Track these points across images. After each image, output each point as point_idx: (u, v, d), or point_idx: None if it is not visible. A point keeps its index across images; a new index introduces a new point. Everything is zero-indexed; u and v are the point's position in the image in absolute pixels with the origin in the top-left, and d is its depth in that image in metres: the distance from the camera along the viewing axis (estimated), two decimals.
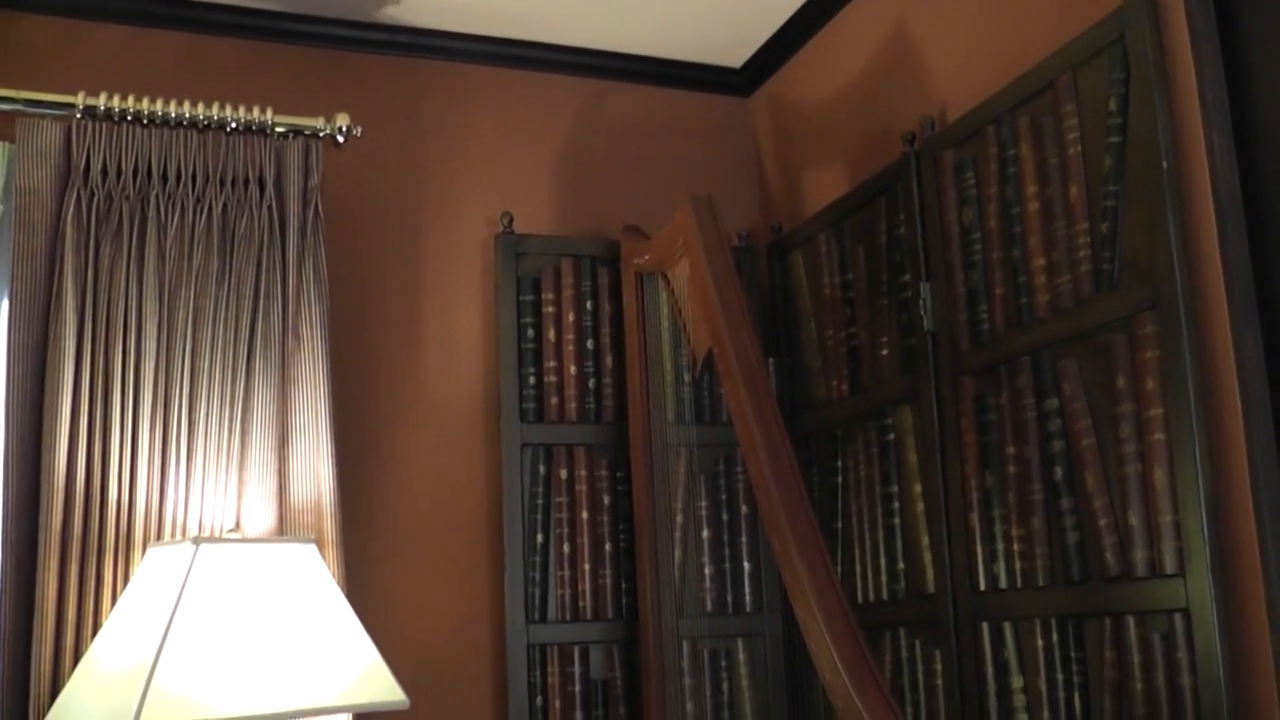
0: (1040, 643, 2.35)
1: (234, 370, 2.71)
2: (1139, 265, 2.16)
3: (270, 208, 2.79)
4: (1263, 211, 2.06)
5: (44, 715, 2.43)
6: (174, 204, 2.72)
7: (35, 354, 2.58)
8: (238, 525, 2.69)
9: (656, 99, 3.51)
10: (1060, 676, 2.30)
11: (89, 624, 2.52)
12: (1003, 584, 2.44)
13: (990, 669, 2.46)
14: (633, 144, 3.45)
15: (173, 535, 2.61)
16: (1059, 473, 2.31)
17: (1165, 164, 2.10)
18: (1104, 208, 2.24)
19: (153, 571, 2.44)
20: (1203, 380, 2.04)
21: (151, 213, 2.69)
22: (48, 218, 2.64)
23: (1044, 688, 2.33)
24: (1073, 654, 2.29)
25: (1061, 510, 2.30)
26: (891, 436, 2.80)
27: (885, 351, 2.83)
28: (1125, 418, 2.17)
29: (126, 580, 2.55)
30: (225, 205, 2.76)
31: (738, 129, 3.60)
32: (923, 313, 2.66)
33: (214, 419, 2.67)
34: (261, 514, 2.72)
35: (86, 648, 2.48)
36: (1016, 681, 2.40)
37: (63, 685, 2.46)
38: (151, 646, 2.24)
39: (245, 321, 2.73)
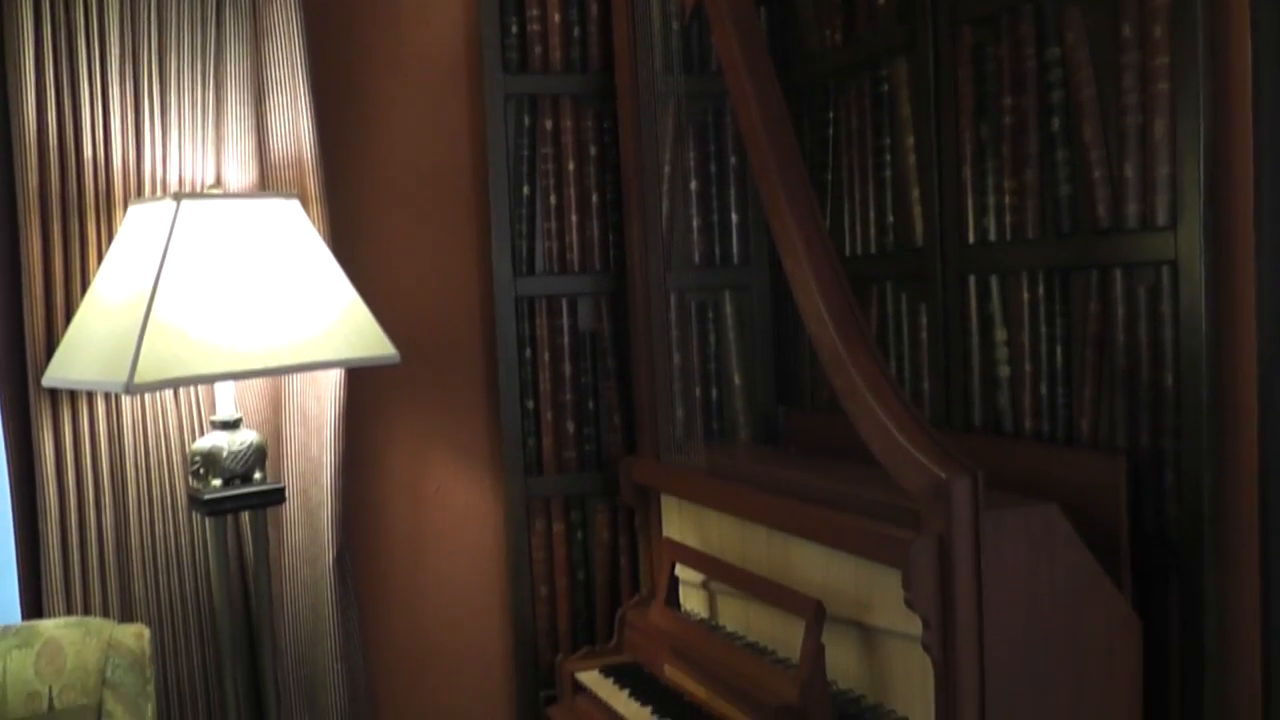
0: (1026, 296, 2.36)
1: (203, 20, 2.60)
2: None
3: None
4: None
5: (41, 373, 2.47)
6: None
7: None
8: (218, 182, 2.65)
9: None
10: (1044, 329, 2.33)
11: (77, 282, 2.53)
12: (992, 237, 2.44)
13: (975, 322, 2.48)
14: None
15: (153, 193, 2.57)
16: (1056, 124, 2.26)
17: None
18: None
19: (136, 228, 2.42)
20: (1213, 27, 1.97)
21: None
22: None
23: (1027, 340, 2.36)
24: (1058, 307, 2.31)
25: (1056, 162, 2.27)
26: (885, 88, 2.73)
27: None
28: (1129, 67, 2.10)
29: (110, 239, 2.54)
30: None
31: None
32: None
33: (185, 72, 2.59)
34: (242, 171, 2.68)
35: (77, 306, 2.50)
36: (1000, 334, 2.43)
37: (57, 343, 2.48)
38: (142, 302, 2.25)
39: None
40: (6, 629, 2.27)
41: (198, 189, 2.62)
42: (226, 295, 2.33)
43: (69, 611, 2.54)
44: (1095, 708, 1.98)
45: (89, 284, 2.51)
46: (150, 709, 2.29)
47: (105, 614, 2.57)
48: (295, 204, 2.54)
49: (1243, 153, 1.95)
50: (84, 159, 2.51)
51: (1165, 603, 2.10)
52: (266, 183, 2.73)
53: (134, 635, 2.32)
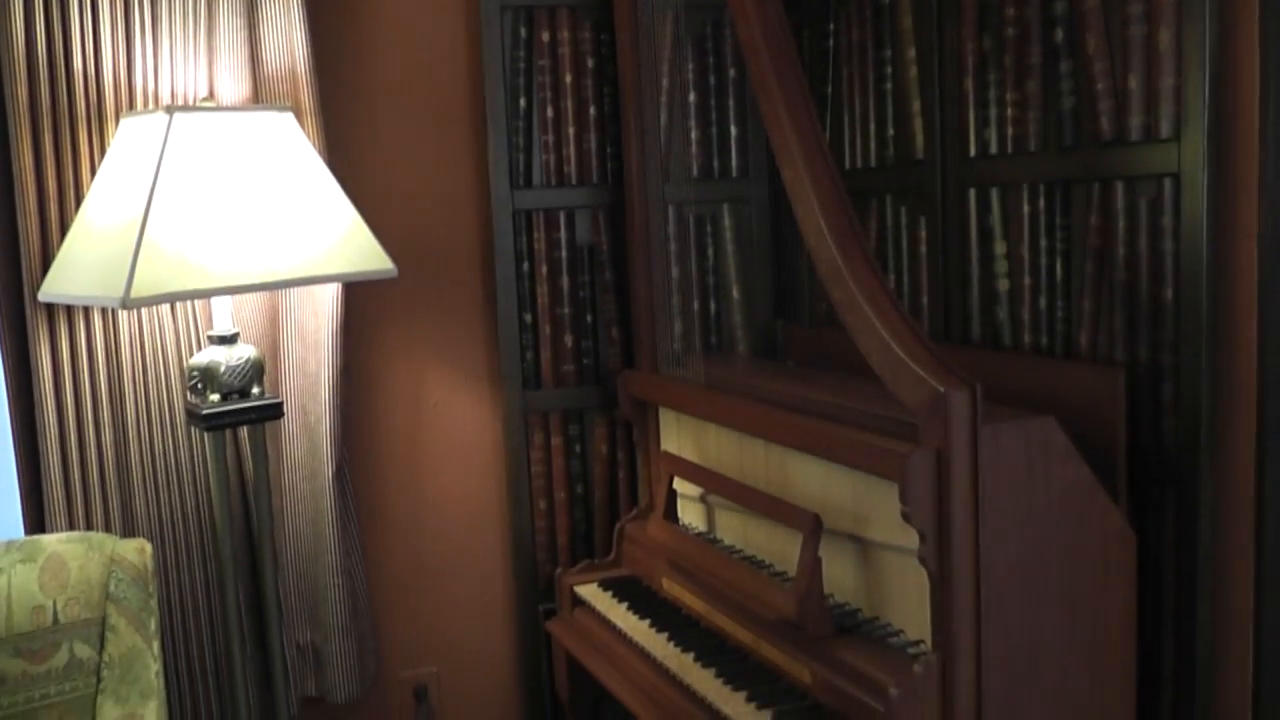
0: (1026, 209, 2.35)
1: None
2: None
3: None
4: None
5: (38, 287, 2.46)
6: None
7: None
8: (211, 95, 2.62)
9: None
10: (1044, 242, 2.32)
11: (70, 196, 2.51)
12: (993, 150, 2.41)
13: (974, 235, 2.47)
14: None
15: (145, 106, 2.54)
16: (1059, 35, 2.23)
17: None
18: None
19: (128, 142, 2.40)
20: None
21: None
22: None
23: (1027, 254, 2.35)
24: (1058, 220, 2.29)
25: (1059, 74, 2.24)
26: None
27: None
28: None
29: (103, 152, 2.51)
30: None
31: None
32: None
33: None
34: (235, 83, 2.64)
35: (72, 220, 2.48)
36: (1000, 248, 2.42)
37: (52, 258, 2.47)
38: (136, 216, 2.23)
39: None
40: (10, 544, 2.28)
41: (190, 102, 2.59)
42: (222, 209, 2.31)
43: (71, 528, 2.55)
44: (1090, 620, 2.00)
45: (82, 198, 2.49)
46: (153, 623, 2.31)
47: (107, 530, 2.58)
48: (289, 117, 2.51)
49: (1248, 64, 1.93)
50: (74, 71, 2.47)
51: (1161, 516, 2.11)
52: (260, 96, 2.69)
53: (136, 550, 2.34)
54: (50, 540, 2.30)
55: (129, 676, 2.26)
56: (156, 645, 2.30)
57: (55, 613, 2.24)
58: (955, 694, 1.91)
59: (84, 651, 2.26)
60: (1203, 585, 2.04)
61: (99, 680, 2.26)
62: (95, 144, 2.52)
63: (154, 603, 2.33)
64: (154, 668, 2.27)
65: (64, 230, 2.49)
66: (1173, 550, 2.09)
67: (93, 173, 2.51)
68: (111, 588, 2.29)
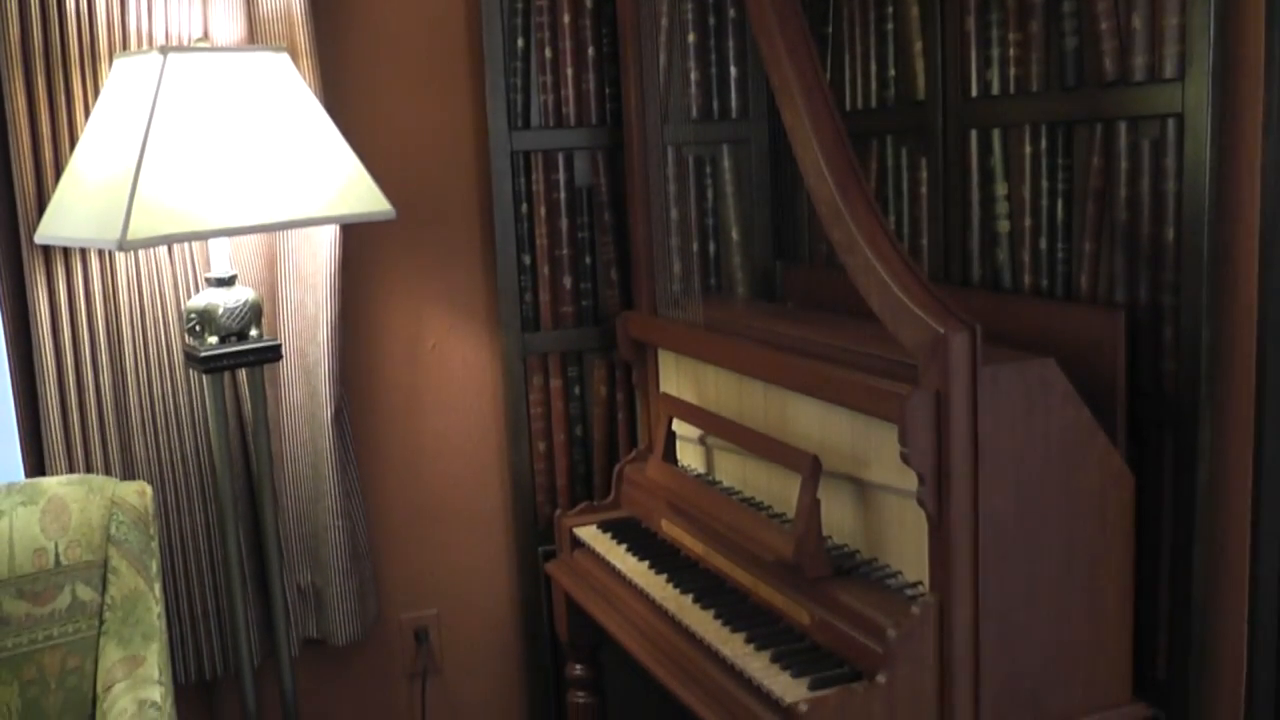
0: (1028, 150, 2.33)
1: None
2: None
3: None
4: None
5: (34, 229, 2.45)
6: None
7: None
8: (205, 35, 2.59)
9: None
10: (1045, 184, 2.30)
11: (65, 137, 2.49)
12: (995, 90, 2.40)
13: (975, 176, 2.46)
14: None
15: (139, 46, 2.52)
16: None
17: None
18: None
19: (122, 83, 2.38)
20: None
21: None
22: None
23: (1028, 195, 2.34)
24: (1060, 161, 2.28)
25: (1062, 14, 2.22)
26: None
27: None
28: None
29: (97, 93, 2.49)
30: None
31: None
32: None
33: None
34: (229, 24, 2.62)
35: (66, 161, 2.47)
36: (1001, 189, 2.41)
37: (48, 198, 2.46)
38: (131, 157, 2.22)
39: None
40: (10, 486, 2.29)
41: (184, 43, 2.56)
42: (218, 151, 2.29)
43: (71, 470, 2.56)
44: (1087, 562, 2.01)
45: (77, 139, 2.47)
46: (155, 565, 2.32)
47: (107, 473, 2.59)
48: (285, 58, 2.49)
49: (1254, 3, 1.91)
50: (66, 11, 2.45)
51: (1159, 458, 2.11)
52: (255, 36, 2.67)
53: (136, 493, 2.34)
54: (51, 483, 2.31)
55: (131, 619, 2.27)
56: (158, 587, 2.31)
57: (57, 555, 2.26)
58: (953, 635, 1.92)
59: (86, 594, 2.27)
60: (1200, 526, 2.04)
61: (101, 622, 2.28)
62: (89, 84, 2.50)
63: (155, 545, 2.34)
64: (156, 610, 2.29)
65: (59, 172, 2.48)
66: (1171, 492, 2.10)
67: (87, 114, 2.49)
68: (112, 530, 2.30)
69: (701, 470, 2.75)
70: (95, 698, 2.24)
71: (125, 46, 2.51)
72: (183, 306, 2.62)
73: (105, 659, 2.26)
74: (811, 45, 2.11)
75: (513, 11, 2.90)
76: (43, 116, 2.46)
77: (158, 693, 2.16)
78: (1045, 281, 2.32)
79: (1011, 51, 2.35)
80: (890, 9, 2.66)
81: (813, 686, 1.96)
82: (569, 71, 2.96)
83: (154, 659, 2.24)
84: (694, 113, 3.04)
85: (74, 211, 2.33)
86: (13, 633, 2.22)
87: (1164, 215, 2.06)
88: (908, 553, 2.07)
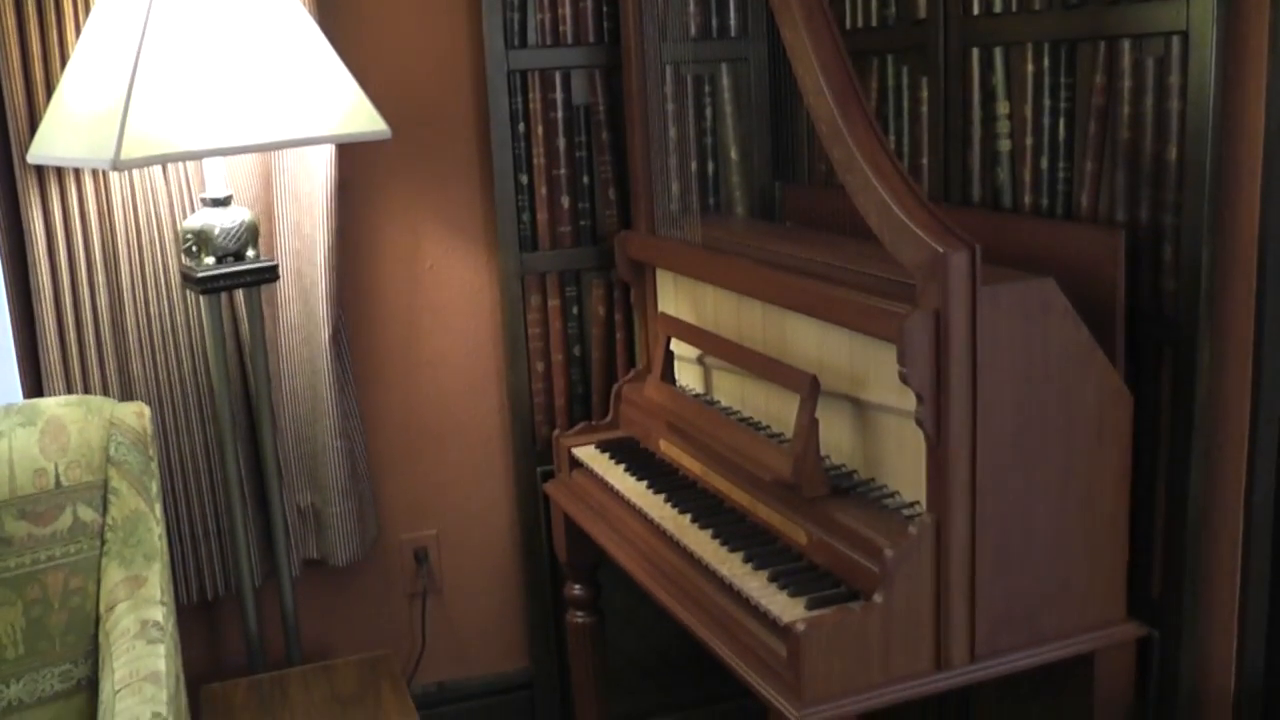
0: (1030, 68, 2.31)
1: None
2: None
3: None
4: None
5: (26, 150, 2.43)
6: None
7: None
8: None
9: None
10: (1047, 102, 2.28)
11: (55, 56, 2.47)
12: (997, 8, 2.36)
13: (977, 95, 2.43)
14: None
15: None
16: None
17: None
18: None
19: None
20: None
21: None
22: None
23: (1029, 114, 2.32)
24: (1062, 79, 2.25)
25: None
26: None
27: None
28: None
29: (88, 10, 2.46)
30: None
31: None
32: None
33: None
34: None
35: (58, 80, 2.44)
36: (1003, 108, 2.39)
37: (40, 118, 2.44)
38: (124, 76, 2.19)
39: None
40: (8, 408, 2.29)
41: None
42: (211, 69, 2.27)
43: (68, 391, 2.56)
44: (1085, 481, 2.01)
45: (68, 57, 2.44)
46: (155, 486, 2.33)
47: (105, 394, 2.59)
48: None
49: None
50: None
51: (1158, 377, 2.12)
52: None
53: (134, 414, 2.34)
54: (49, 404, 2.31)
55: (132, 539, 2.29)
56: (159, 508, 2.32)
57: (57, 475, 2.26)
58: (949, 555, 1.93)
59: (87, 514, 2.28)
60: (1197, 445, 2.05)
61: (103, 543, 2.29)
62: (79, 1, 2.46)
63: (154, 466, 2.34)
64: (157, 530, 2.30)
65: (50, 91, 2.45)
66: (1169, 411, 2.10)
67: (78, 31, 2.46)
68: (112, 451, 2.30)
69: (700, 390, 2.75)
70: (98, 618, 2.26)
71: None
72: (179, 227, 2.60)
73: (107, 579, 2.27)
74: None
75: None
76: (32, 34, 2.43)
77: (160, 613, 2.17)
78: (1046, 201, 2.31)
79: None
80: None
81: (810, 606, 1.97)
82: None
83: (156, 579, 2.25)
84: (693, 30, 3.01)
85: (66, 131, 2.31)
86: (15, 553, 2.23)
87: (1167, 134, 2.04)
88: (905, 472, 2.07)
